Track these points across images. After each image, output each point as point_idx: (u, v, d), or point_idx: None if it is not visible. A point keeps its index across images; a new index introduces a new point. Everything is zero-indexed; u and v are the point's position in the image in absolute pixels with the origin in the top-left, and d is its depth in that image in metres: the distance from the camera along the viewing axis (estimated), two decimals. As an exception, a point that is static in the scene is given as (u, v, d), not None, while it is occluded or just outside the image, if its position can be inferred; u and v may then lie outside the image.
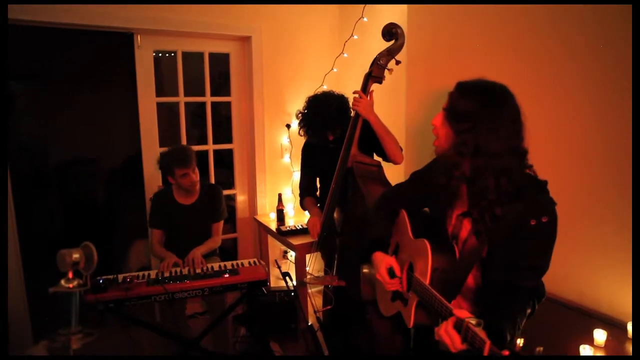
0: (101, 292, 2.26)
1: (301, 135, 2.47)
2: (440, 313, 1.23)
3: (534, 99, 2.08)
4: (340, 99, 2.39)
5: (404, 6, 2.77)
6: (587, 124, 1.93)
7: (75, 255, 1.22)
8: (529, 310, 1.29)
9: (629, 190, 1.80)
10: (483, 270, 1.37)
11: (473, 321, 1.08)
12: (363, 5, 3.04)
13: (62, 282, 1.18)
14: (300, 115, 2.41)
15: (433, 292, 1.28)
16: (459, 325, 1.11)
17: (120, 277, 2.40)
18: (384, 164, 2.35)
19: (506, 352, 0.96)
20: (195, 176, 2.74)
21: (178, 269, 2.56)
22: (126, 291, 2.28)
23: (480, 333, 1.03)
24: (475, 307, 1.43)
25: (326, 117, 2.29)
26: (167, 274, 2.48)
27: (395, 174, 2.73)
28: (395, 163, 2.31)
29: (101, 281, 2.33)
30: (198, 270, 2.53)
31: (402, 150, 2.30)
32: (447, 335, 1.14)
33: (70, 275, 1.19)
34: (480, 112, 1.26)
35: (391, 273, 1.56)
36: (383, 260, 1.59)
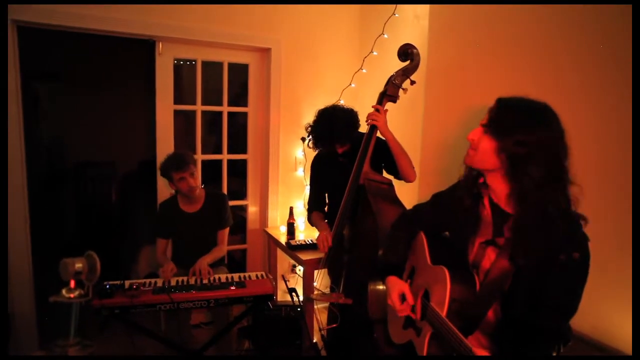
0: (107, 297, 2.25)
1: (310, 148, 2.48)
2: (458, 349, 1.15)
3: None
4: (350, 113, 2.38)
5: (425, 21, 2.75)
6: (589, 139, 1.87)
7: (78, 265, 1.20)
8: (553, 354, 1.21)
9: (615, 206, 1.73)
10: (504, 305, 1.29)
11: None
12: (384, 20, 3.03)
13: (64, 291, 1.16)
14: (309, 127, 2.40)
15: (450, 326, 1.20)
16: None
17: (127, 283, 2.39)
18: (395, 182, 2.32)
19: None
20: (194, 181, 2.75)
21: (185, 278, 2.54)
22: (132, 298, 2.27)
23: None
24: (494, 343, 1.34)
25: (334, 130, 2.29)
26: (173, 282, 2.47)
27: (409, 193, 2.69)
28: (408, 181, 2.29)
29: (107, 286, 2.32)
30: (205, 281, 2.51)
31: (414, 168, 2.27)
32: None
33: (72, 284, 1.18)
34: (531, 124, 1.19)
35: (403, 299, 1.49)
36: (396, 286, 1.52)
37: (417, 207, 1.71)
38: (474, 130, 1.31)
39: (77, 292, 1.17)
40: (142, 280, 2.47)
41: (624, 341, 1.77)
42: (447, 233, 1.56)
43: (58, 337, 1.15)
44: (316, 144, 2.39)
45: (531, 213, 1.19)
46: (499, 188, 1.30)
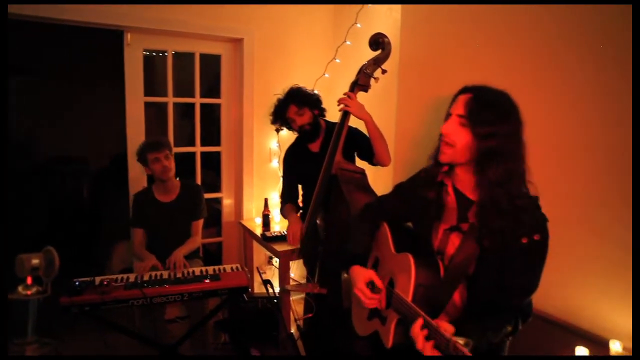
0: (76, 294, 2.20)
1: (272, 124, 2.57)
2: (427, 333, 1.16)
3: (530, 105, 2.05)
4: (306, 89, 2.50)
5: (398, 13, 2.76)
6: (579, 136, 1.89)
7: (35, 261, 1.16)
8: (509, 328, 1.24)
9: (618, 205, 1.77)
10: (469, 288, 1.32)
11: (461, 341, 1.02)
12: (357, 9, 3.01)
13: (20, 288, 1.12)
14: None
15: (416, 309, 1.20)
16: (445, 347, 1.04)
17: (98, 279, 2.33)
18: (373, 168, 2.32)
19: None
20: (168, 163, 2.75)
21: (158, 273, 2.51)
22: (102, 294, 2.22)
23: (466, 352, 0.97)
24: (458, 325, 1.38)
25: (285, 96, 2.43)
26: (146, 277, 2.43)
27: (383, 182, 2.70)
28: (383, 165, 2.31)
29: (77, 283, 2.26)
30: (179, 275, 2.48)
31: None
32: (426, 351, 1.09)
33: (29, 281, 1.13)
34: (504, 117, 1.23)
35: (372, 288, 1.47)
36: (361, 274, 1.49)
37: (380, 198, 1.73)
38: (447, 123, 1.29)
39: (34, 289, 1.13)
40: (114, 276, 2.42)
41: (607, 331, 1.82)
42: (410, 224, 1.57)
43: (15, 335, 1.11)
44: (276, 112, 2.49)
45: (497, 199, 1.22)
46: (466, 177, 1.32)
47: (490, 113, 1.22)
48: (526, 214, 1.22)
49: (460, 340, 1.01)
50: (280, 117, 2.48)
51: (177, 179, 2.95)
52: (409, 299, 1.27)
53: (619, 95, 1.70)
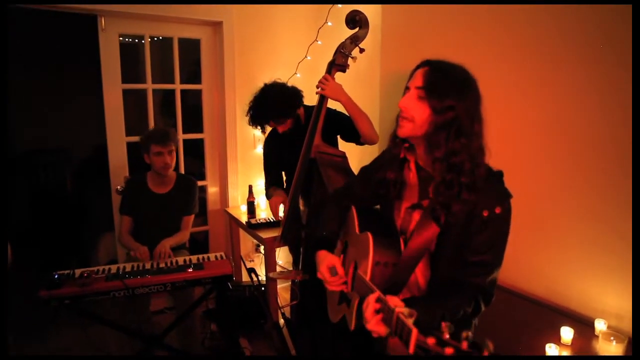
0: (55, 288, 2.15)
1: (250, 125, 2.40)
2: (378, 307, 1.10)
3: (518, 89, 2.01)
4: (287, 91, 2.30)
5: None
6: (573, 118, 1.86)
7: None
8: (468, 309, 1.18)
9: (604, 186, 1.75)
10: (431, 264, 1.29)
11: (405, 311, 0.96)
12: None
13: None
14: (249, 103, 2.35)
15: (370, 286, 1.17)
16: (389, 318, 1.00)
17: (78, 272, 2.29)
18: (359, 150, 2.26)
19: (431, 340, 0.84)
20: (170, 160, 2.67)
21: (140, 263, 2.46)
22: (82, 287, 2.18)
23: (409, 324, 0.92)
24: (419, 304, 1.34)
25: (264, 109, 2.25)
26: (127, 268, 2.38)
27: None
28: (372, 143, 2.23)
29: (56, 276, 2.21)
30: (162, 265, 2.43)
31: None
32: (375, 327, 1.05)
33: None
34: (462, 89, 1.18)
35: (333, 272, 1.44)
36: (325, 259, 1.46)
37: (348, 182, 1.70)
38: (405, 97, 1.24)
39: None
40: (95, 268, 2.37)
41: (593, 310, 1.81)
42: (378, 207, 1.53)
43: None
44: (251, 121, 2.33)
45: (447, 174, 1.19)
46: (424, 150, 1.28)
47: (448, 85, 1.18)
48: (487, 188, 1.19)
49: (405, 311, 0.96)
50: (258, 124, 2.39)
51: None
52: (368, 277, 1.25)
53: (617, 88, 1.68)
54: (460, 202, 1.18)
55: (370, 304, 1.07)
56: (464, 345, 0.81)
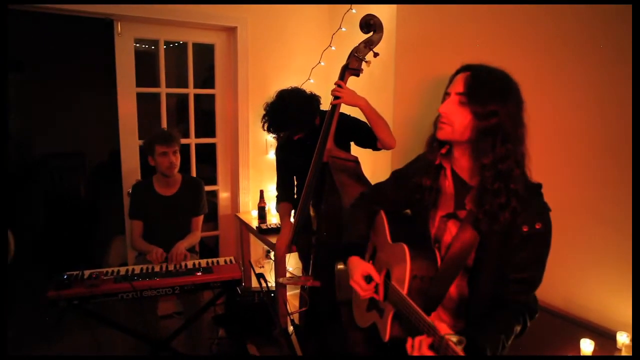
0: (64, 288, 2.15)
1: (264, 130, 2.31)
2: (418, 327, 1.09)
3: (530, 96, 1.97)
4: (307, 100, 2.22)
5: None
6: (582, 126, 1.83)
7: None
8: (518, 328, 1.15)
9: (622, 195, 1.69)
10: (470, 280, 1.24)
11: (454, 338, 0.94)
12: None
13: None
14: (265, 108, 2.26)
15: (410, 304, 1.14)
16: (438, 344, 0.97)
17: (87, 273, 2.29)
18: (371, 156, 2.20)
19: None
20: (175, 159, 2.68)
21: (150, 266, 2.44)
22: (91, 288, 2.17)
23: (459, 351, 0.90)
24: (457, 320, 1.29)
25: (285, 118, 2.16)
26: (137, 270, 2.37)
27: (382, 170, 2.62)
28: (389, 148, 2.18)
29: (65, 277, 2.21)
30: (171, 268, 2.42)
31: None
32: (419, 352, 1.02)
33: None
34: (504, 95, 1.16)
35: (368, 280, 1.40)
36: (359, 267, 1.42)
37: (376, 186, 1.65)
38: (446, 102, 1.21)
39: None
40: (104, 270, 2.37)
41: (615, 322, 1.74)
42: (408, 211, 1.49)
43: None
44: (268, 129, 2.25)
45: (495, 182, 1.15)
46: (464, 160, 1.25)
47: (490, 90, 1.16)
48: (527, 201, 1.15)
49: (453, 338, 0.93)
50: (275, 132, 2.31)
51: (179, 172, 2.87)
52: (405, 291, 1.21)
53: (622, 88, 1.64)
54: (509, 211, 1.14)
55: (424, 346, 1.03)
56: None
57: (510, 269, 1.16)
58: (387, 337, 1.29)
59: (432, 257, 1.26)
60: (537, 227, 1.14)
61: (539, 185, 1.21)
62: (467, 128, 1.18)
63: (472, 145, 1.19)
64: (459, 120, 1.18)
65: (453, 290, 1.27)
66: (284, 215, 2.50)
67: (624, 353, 1.57)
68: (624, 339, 1.63)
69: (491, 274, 1.19)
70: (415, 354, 1.04)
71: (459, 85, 1.19)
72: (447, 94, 1.23)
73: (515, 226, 1.14)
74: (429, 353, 1.00)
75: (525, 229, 1.13)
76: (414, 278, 1.22)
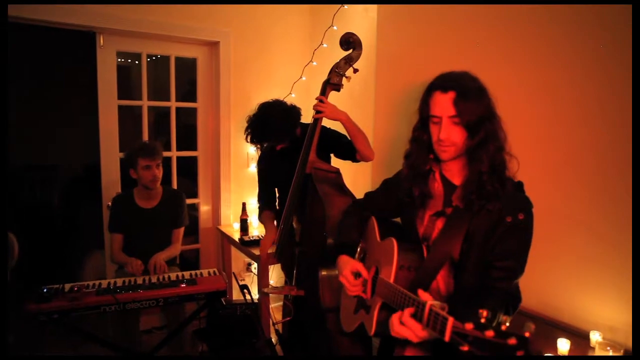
0: (44, 302, 2.10)
1: (247, 142, 2.38)
2: (403, 307, 1.13)
3: (517, 100, 2.05)
4: (288, 111, 2.30)
5: (374, 13, 2.77)
6: (571, 126, 1.89)
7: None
8: (502, 317, 1.21)
9: (594, 197, 1.79)
10: (456, 274, 1.30)
11: (436, 304, 0.98)
12: (333, 11, 3.02)
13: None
14: (248, 120, 2.33)
15: (397, 287, 1.19)
16: (421, 311, 1.03)
17: (68, 286, 2.25)
18: (352, 168, 2.28)
19: (469, 326, 0.87)
20: (158, 173, 2.68)
21: (132, 278, 2.42)
22: (72, 301, 2.13)
23: (443, 313, 0.94)
24: None
25: (266, 129, 2.24)
26: (119, 283, 2.34)
27: (362, 183, 2.69)
28: (368, 160, 2.28)
29: (45, 290, 2.17)
30: (154, 280, 2.40)
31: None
32: (404, 326, 1.07)
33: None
34: (483, 98, 1.26)
35: (356, 277, 1.47)
36: (348, 263, 1.50)
37: (368, 194, 1.72)
38: (444, 128, 1.25)
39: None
40: (85, 283, 2.33)
41: (587, 322, 1.82)
42: (398, 219, 1.56)
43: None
44: (251, 140, 2.32)
45: (484, 180, 1.24)
46: (453, 165, 1.34)
47: (477, 102, 1.24)
48: (511, 194, 1.26)
49: (436, 304, 0.99)
50: (258, 143, 2.38)
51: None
52: (392, 279, 1.27)
53: (620, 94, 1.71)
54: (486, 207, 1.23)
55: (406, 315, 1.08)
56: (504, 328, 0.84)
57: (493, 257, 1.23)
58: (373, 330, 1.34)
59: (419, 250, 1.34)
60: (520, 217, 1.21)
61: (521, 184, 1.31)
62: (464, 143, 1.26)
63: (469, 154, 1.27)
64: (459, 140, 1.26)
65: (441, 286, 1.33)
66: (267, 220, 2.54)
67: (597, 350, 1.65)
68: (597, 337, 1.72)
69: (475, 265, 1.25)
70: (397, 328, 1.09)
71: (448, 109, 1.24)
72: (434, 117, 1.27)
73: (500, 218, 1.22)
74: (412, 322, 1.05)
75: (508, 219, 1.21)
76: (401, 268, 1.29)
